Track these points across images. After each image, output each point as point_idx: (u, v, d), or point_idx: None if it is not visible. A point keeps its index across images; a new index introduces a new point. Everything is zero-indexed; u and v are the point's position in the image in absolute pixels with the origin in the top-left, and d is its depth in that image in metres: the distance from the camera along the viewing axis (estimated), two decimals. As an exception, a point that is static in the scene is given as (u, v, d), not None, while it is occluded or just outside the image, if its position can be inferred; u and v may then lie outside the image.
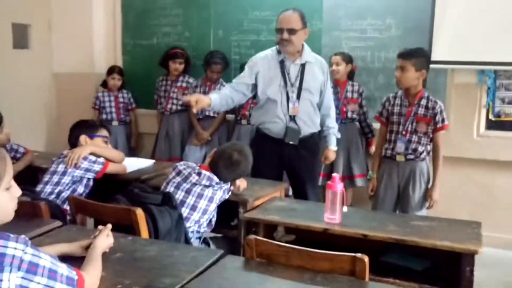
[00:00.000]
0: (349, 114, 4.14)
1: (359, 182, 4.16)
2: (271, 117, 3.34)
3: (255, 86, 3.36)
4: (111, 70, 4.94)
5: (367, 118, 4.20)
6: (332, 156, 3.52)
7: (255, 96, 3.43)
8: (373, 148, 4.12)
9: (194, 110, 3.09)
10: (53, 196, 2.80)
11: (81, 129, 3.03)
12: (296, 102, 3.31)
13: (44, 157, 3.58)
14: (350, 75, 4.21)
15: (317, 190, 3.56)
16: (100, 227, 1.92)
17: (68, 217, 2.65)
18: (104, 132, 3.10)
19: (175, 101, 4.79)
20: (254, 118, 3.49)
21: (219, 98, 3.23)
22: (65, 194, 2.82)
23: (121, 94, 4.98)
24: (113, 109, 4.94)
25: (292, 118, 3.32)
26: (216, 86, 4.59)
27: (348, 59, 4.14)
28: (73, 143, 3.00)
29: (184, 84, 4.80)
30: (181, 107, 4.76)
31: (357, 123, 4.22)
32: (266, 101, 3.35)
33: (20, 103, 4.89)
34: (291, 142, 3.31)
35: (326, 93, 3.47)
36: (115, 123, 4.90)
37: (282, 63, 3.33)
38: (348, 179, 4.11)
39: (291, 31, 3.23)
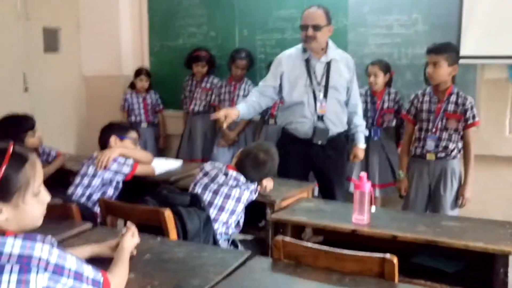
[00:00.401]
0: (385, 124, 4.04)
1: (389, 190, 4.06)
2: (298, 117, 3.32)
3: (280, 87, 3.35)
4: (139, 72, 4.99)
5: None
6: (361, 154, 3.49)
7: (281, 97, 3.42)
8: None
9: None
10: (84, 198, 2.85)
11: (111, 131, 3.07)
12: (323, 101, 3.29)
13: (74, 160, 3.64)
14: (388, 82, 4.09)
15: (344, 190, 3.54)
16: (127, 224, 1.94)
17: (98, 219, 2.69)
18: (133, 134, 3.14)
19: (198, 102, 4.82)
20: (281, 118, 3.49)
21: (246, 107, 3.23)
22: (95, 197, 2.86)
23: (149, 96, 5.03)
24: (142, 111, 4.99)
25: (320, 118, 3.30)
26: (241, 85, 4.60)
27: (386, 68, 4.00)
28: (103, 145, 3.04)
29: (208, 85, 4.82)
30: (204, 108, 4.79)
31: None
32: (290, 98, 3.34)
33: (51, 107, 5.00)
34: (319, 142, 3.29)
35: (353, 91, 3.44)
36: (144, 124, 4.96)
37: (307, 61, 3.31)
38: (382, 186, 4.06)
39: (316, 28, 3.22)
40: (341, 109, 3.40)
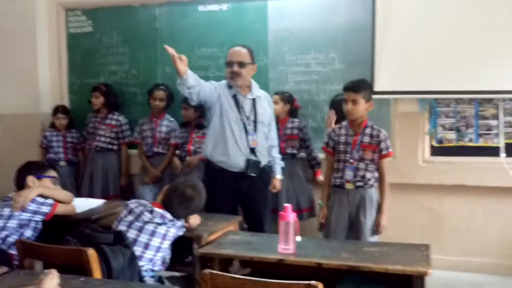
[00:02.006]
0: (289, 150, 4.22)
1: (306, 215, 4.23)
2: (230, 150, 3.36)
3: (212, 103, 3.36)
4: (56, 110, 4.89)
5: (312, 151, 4.30)
6: (278, 184, 3.61)
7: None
8: (320, 178, 4.21)
9: (179, 66, 3.01)
10: None
11: (28, 170, 2.97)
12: (254, 134, 3.39)
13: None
14: (293, 112, 4.31)
15: (270, 220, 3.59)
16: (46, 270, 1.86)
17: (15, 262, 2.55)
18: (52, 173, 3.04)
19: (102, 139, 4.77)
20: (207, 151, 3.47)
21: (192, 72, 3.16)
22: (11, 239, 2.71)
23: (69, 134, 4.91)
24: (61, 149, 4.84)
25: (252, 151, 3.37)
26: (162, 122, 4.60)
27: (287, 99, 4.24)
28: (20, 185, 2.92)
29: (113, 122, 4.81)
30: (107, 145, 4.76)
31: (300, 158, 4.32)
32: (221, 131, 3.37)
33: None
34: (252, 174, 3.35)
35: (272, 125, 3.60)
36: (62, 163, 4.80)
37: (234, 97, 3.39)
38: (295, 212, 4.13)
39: (241, 64, 3.34)
40: (266, 142, 3.52)
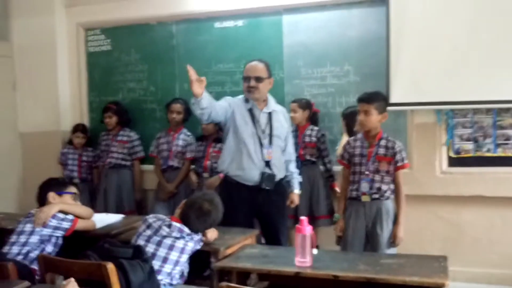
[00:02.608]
0: (308, 157, 4.25)
1: (321, 223, 4.23)
2: (244, 164, 3.40)
3: (230, 119, 3.42)
4: (76, 129, 5.00)
5: (329, 162, 4.31)
6: (296, 199, 3.62)
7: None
8: (337, 190, 4.21)
9: (195, 89, 3.09)
10: (21, 257, 2.75)
11: (49, 186, 3.04)
12: (269, 147, 3.42)
13: (10, 218, 3.52)
14: (313, 119, 4.34)
15: (287, 233, 3.61)
16: (65, 281, 1.91)
17: (36, 277, 2.60)
18: (72, 189, 3.11)
19: (115, 155, 4.85)
20: (223, 165, 3.52)
21: (207, 94, 3.24)
22: (33, 255, 2.77)
23: (85, 153, 5.00)
24: (75, 167, 4.94)
25: (267, 164, 3.40)
26: (179, 135, 4.64)
27: (305, 106, 4.28)
28: (42, 201, 2.99)
29: (125, 138, 4.89)
30: (120, 161, 4.84)
31: (320, 166, 4.32)
32: (236, 146, 3.42)
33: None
34: (267, 187, 3.38)
35: (289, 140, 3.63)
36: (76, 180, 4.87)
37: (250, 111, 3.44)
38: (310, 219, 4.15)
39: (258, 79, 3.39)
40: (282, 156, 3.55)
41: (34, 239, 2.81)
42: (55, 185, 3.07)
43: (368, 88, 3.61)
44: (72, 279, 1.88)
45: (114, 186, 4.85)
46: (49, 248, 2.86)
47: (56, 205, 2.94)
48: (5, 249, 2.80)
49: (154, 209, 4.55)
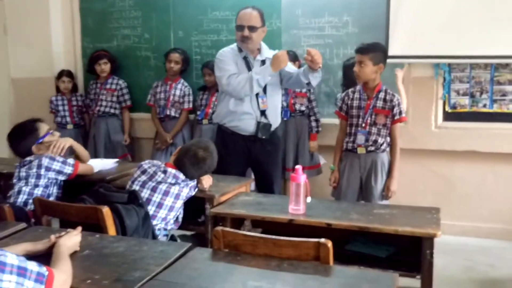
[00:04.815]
0: (298, 107, 4.26)
1: (314, 172, 4.31)
2: (240, 114, 3.37)
3: None
4: (60, 74, 4.93)
5: (317, 113, 4.33)
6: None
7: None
8: (314, 143, 4.29)
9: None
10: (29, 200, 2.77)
11: (25, 140, 2.93)
12: (264, 96, 3.39)
13: (4, 163, 3.52)
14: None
15: (281, 183, 3.63)
16: (69, 230, 1.93)
17: (32, 220, 2.62)
18: (43, 127, 3.00)
19: (104, 103, 4.83)
20: (219, 116, 3.50)
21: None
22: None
23: (74, 98, 4.96)
24: (67, 113, 4.90)
25: (263, 113, 3.38)
26: (177, 85, 4.61)
27: (292, 57, 4.13)
28: (23, 155, 2.93)
29: (114, 86, 4.86)
30: (109, 109, 4.82)
31: (308, 115, 4.33)
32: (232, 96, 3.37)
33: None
34: (263, 137, 3.37)
35: (289, 68, 3.45)
36: (69, 126, 4.88)
37: (245, 59, 3.39)
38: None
39: (252, 29, 3.31)
40: (278, 104, 3.53)
41: (42, 182, 2.82)
42: (28, 136, 2.94)
43: (367, 39, 3.54)
44: (79, 228, 1.91)
45: (103, 133, 4.84)
46: (55, 191, 2.90)
47: (67, 140, 3.07)
48: (12, 197, 2.80)
49: (154, 157, 4.56)
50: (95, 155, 4.71)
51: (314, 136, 4.33)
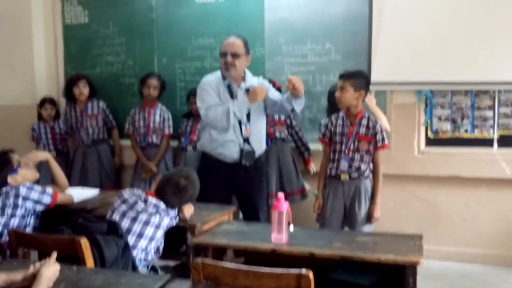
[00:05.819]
0: (277, 135, 4.24)
1: (298, 198, 4.27)
2: (223, 141, 3.37)
3: None
4: (43, 102, 4.87)
5: (302, 138, 4.32)
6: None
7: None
8: (311, 166, 4.28)
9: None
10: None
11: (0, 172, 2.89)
12: (247, 124, 3.39)
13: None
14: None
15: (266, 210, 3.61)
16: (46, 260, 1.88)
17: (7, 252, 2.56)
18: (15, 158, 2.95)
19: (90, 130, 4.71)
20: (203, 144, 3.49)
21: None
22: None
23: (57, 125, 4.90)
24: (50, 141, 4.85)
25: (246, 140, 3.38)
26: (155, 111, 4.54)
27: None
28: (0, 186, 2.88)
29: (95, 110, 4.73)
30: (98, 136, 4.73)
31: (289, 143, 4.32)
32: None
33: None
34: (247, 164, 3.36)
35: (273, 95, 3.49)
36: (52, 153, 4.76)
37: (229, 87, 3.39)
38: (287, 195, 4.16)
39: (235, 56, 3.32)
40: (262, 131, 3.53)
41: (19, 212, 2.77)
42: (2, 166, 2.90)
43: (350, 66, 3.61)
44: (54, 254, 1.86)
45: (95, 163, 4.72)
46: (32, 221, 2.85)
47: (44, 154, 3.13)
48: None
49: (133, 186, 4.46)
50: (86, 184, 4.59)
51: (309, 160, 4.33)
